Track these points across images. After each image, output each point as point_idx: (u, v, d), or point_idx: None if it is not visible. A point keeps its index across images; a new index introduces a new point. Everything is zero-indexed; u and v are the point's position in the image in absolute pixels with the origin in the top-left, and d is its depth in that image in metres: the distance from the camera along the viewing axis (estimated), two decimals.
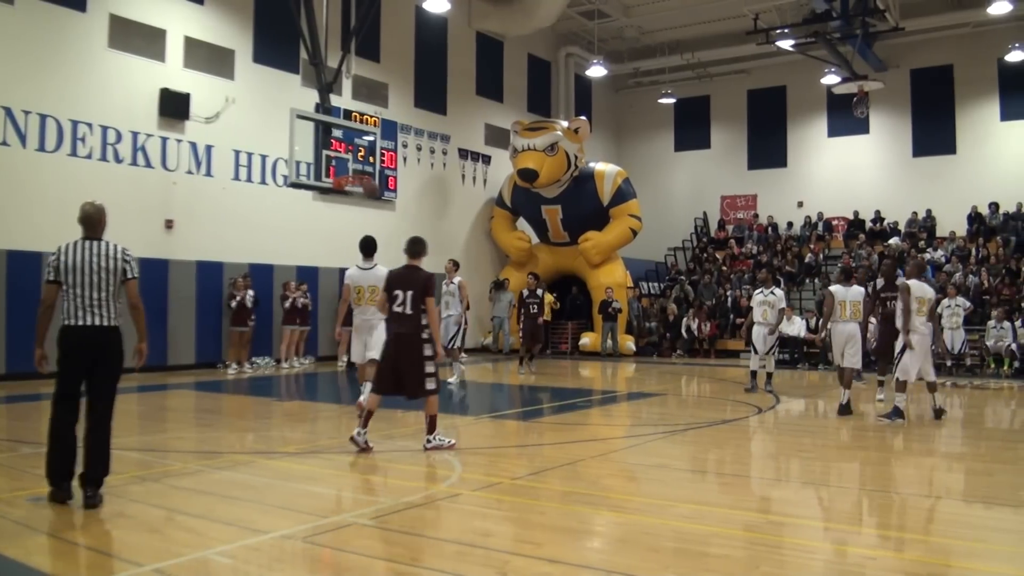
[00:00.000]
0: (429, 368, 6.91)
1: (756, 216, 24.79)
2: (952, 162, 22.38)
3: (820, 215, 23.46)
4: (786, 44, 20.80)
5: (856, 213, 22.83)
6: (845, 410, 9.36)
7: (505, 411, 10.63)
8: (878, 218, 22.42)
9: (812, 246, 22.13)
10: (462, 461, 6.67)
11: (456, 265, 12.86)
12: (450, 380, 12.42)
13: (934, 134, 22.67)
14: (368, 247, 8.64)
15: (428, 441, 7.03)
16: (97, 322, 5.02)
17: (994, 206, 20.90)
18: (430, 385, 6.91)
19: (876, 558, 4.26)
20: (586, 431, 8.91)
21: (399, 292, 6.90)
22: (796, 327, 17.05)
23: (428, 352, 6.88)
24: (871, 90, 20.82)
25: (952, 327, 15.23)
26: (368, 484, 6.20)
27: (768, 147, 25.17)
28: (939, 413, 8.93)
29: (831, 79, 21.54)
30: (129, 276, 5.15)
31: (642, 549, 4.37)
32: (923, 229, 21.47)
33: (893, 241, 21.09)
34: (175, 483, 5.79)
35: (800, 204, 24.21)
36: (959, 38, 21.88)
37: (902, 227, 21.98)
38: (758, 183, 25.24)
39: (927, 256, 19.23)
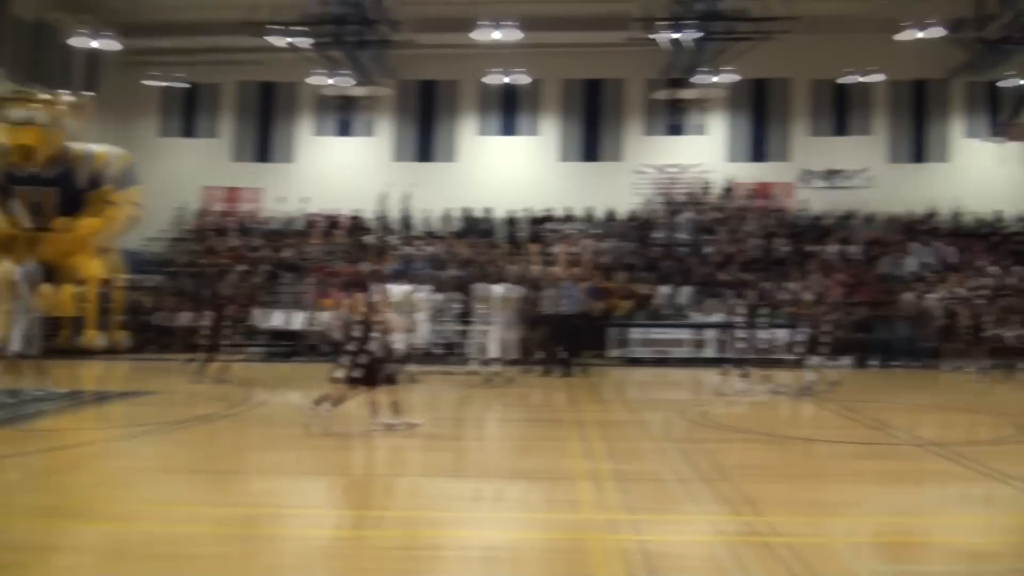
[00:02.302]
0: None
1: (260, 209, 26.87)
2: (443, 168, 27.15)
3: (321, 211, 26.05)
4: (300, 42, 24.14)
5: (355, 211, 25.90)
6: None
7: None
8: (376, 216, 25.82)
9: (313, 241, 24.77)
10: None
11: None
12: None
13: (427, 141, 27.37)
14: None
15: None
16: None
17: (486, 209, 25.83)
18: None
19: (363, 537, 5.51)
20: (58, 437, 9.29)
21: None
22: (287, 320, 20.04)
23: None
24: (376, 95, 25.45)
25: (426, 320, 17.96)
26: None
27: (277, 142, 27.72)
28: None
29: (337, 81, 24.60)
30: None
31: (135, 560, 4.95)
32: (408, 228, 25.50)
33: (387, 238, 24.68)
34: None
35: (305, 200, 26.29)
36: (451, 57, 26.23)
37: (394, 225, 25.70)
38: (263, 177, 27.43)
39: (419, 251, 24.16)
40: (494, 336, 15.19)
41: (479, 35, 23.70)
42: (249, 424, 10.69)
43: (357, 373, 9.33)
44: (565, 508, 6.47)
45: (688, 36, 22.77)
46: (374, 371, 9.37)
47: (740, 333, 15.03)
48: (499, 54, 25.55)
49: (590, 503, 6.48)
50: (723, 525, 5.92)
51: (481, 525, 5.97)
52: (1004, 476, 7.61)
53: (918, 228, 24.81)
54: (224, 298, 15.44)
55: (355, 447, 8.95)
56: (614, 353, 19.70)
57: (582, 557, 5.21)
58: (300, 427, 9.34)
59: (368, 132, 27.72)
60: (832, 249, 23.21)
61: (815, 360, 13.91)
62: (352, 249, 24.37)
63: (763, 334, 15.20)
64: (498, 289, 15.63)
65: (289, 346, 20.21)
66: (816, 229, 25.01)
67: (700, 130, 27.24)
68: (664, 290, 21.73)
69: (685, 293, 21.44)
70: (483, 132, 27.82)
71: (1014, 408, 12.71)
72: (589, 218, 25.71)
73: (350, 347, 9.42)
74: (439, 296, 19.36)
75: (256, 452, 8.94)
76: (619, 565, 4.96)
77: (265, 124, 28.09)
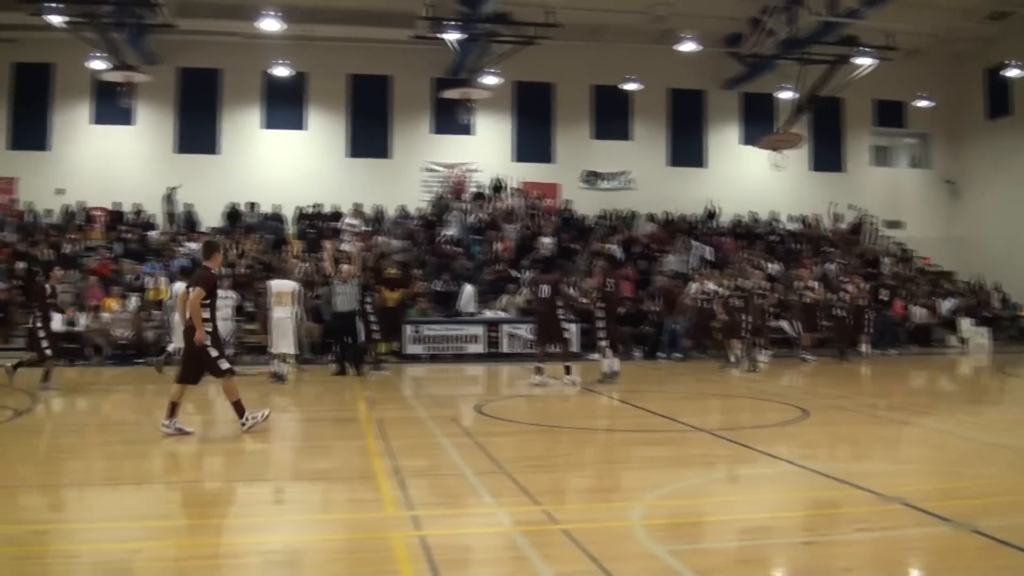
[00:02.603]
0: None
1: (14, 201, 24.84)
2: (215, 161, 26.11)
3: (81, 204, 24.65)
4: (56, 20, 22.38)
5: (117, 204, 24.67)
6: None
7: None
8: (138, 210, 24.62)
9: (71, 236, 23.24)
10: None
11: None
12: None
13: (199, 133, 26.09)
14: None
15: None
16: None
17: (253, 205, 25.29)
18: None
19: (142, 550, 5.19)
20: None
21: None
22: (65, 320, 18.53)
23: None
24: (139, 82, 23.99)
25: (224, 318, 18.72)
26: None
27: (33, 127, 25.46)
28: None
29: (98, 64, 22.95)
30: None
31: None
32: (186, 222, 24.45)
33: (152, 233, 23.81)
34: None
35: (61, 191, 24.96)
36: (230, 45, 25.56)
37: (159, 220, 24.64)
38: (17, 166, 25.30)
39: (190, 248, 23.09)
40: (282, 334, 14.92)
41: (260, 24, 23.13)
42: (32, 433, 10.03)
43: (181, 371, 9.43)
44: (351, 507, 6.42)
45: (466, 36, 23.37)
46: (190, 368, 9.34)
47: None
48: (280, 45, 24.95)
49: (378, 501, 6.42)
50: (509, 516, 6.02)
51: (271, 529, 5.81)
52: (773, 456, 8.23)
53: (688, 229, 26.76)
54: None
55: (148, 454, 8.47)
56: (405, 350, 19.95)
57: (366, 556, 5.18)
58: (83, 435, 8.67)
59: (134, 120, 26.06)
60: (605, 248, 24.46)
61: (603, 353, 14.64)
62: (118, 245, 23.06)
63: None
64: (283, 285, 15.32)
65: (72, 348, 18.75)
66: (590, 229, 26.35)
67: (479, 130, 27.76)
68: (452, 287, 22.18)
69: (473, 290, 21.95)
70: (266, 125, 26.99)
71: (792, 394, 13.83)
72: (375, 215, 25.72)
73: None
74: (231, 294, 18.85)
75: (40, 463, 8.21)
76: (404, 563, 4.95)
77: (20, 109, 25.71)
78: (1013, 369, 19.52)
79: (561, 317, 14.45)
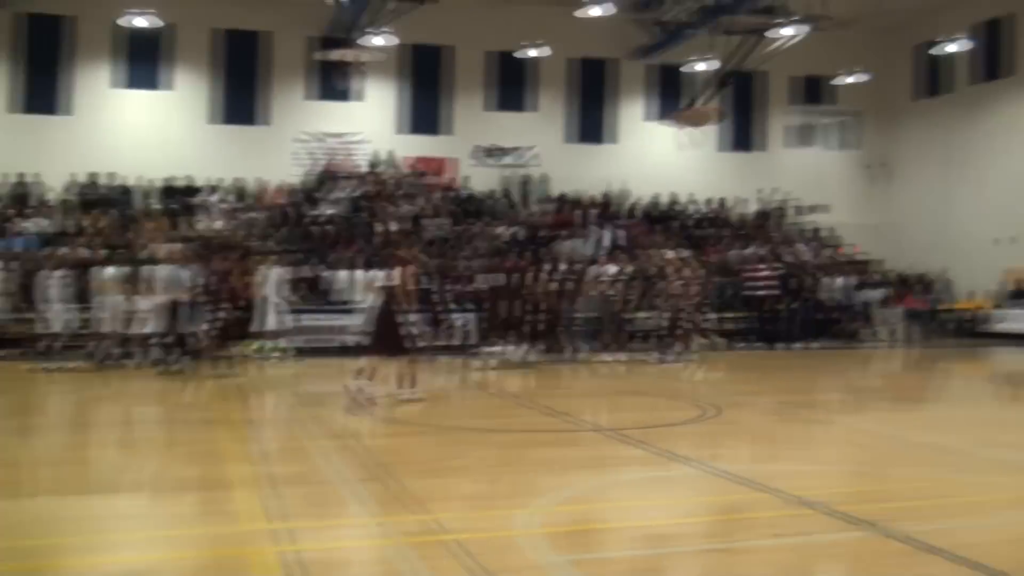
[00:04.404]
0: None
1: None
2: (64, 124, 24.76)
3: None
4: None
5: None
6: None
7: None
8: None
9: None
10: None
11: None
12: None
13: (41, 91, 24.81)
14: None
15: None
16: None
17: (100, 176, 23.92)
18: None
19: None
20: None
21: None
22: None
23: None
24: None
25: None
26: None
27: None
28: None
29: None
30: None
31: None
32: (23, 196, 23.16)
33: None
34: None
35: None
36: None
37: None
38: None
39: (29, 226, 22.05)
40: (116, 321, 14.46)
41: None
42: None
43: None
44: (216, 520, 6.23)
45: None
46: None
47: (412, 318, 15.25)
48: None
49: (243, 513, 6.28)
50: (391, 526, 5.99)
51: (121, 548, 5.64)
52: (682, 457, 8.39)
53: (594, 210, 26.93)
54: None
55: None
56: (271, 344, 19.36)
57: (234, 574, 5.08)
58: None
59: None
60: (501, 230, 24.44)
61: (498, 346, 14.58)
62: None
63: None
64: (116, 271, 14.80)
65: None
66: (483, 207, 26.31)
67: (364, 97, 27.34)
68: (326, 272, 21.71)
69: (350, 275, 21.52)
70: (121, 84, 25.89)
71: (704, 391, 13.98)
72: (237, 189, 24.99)
73: None
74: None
75: None
76: None
77: None
78: (941, 364, 20.33)
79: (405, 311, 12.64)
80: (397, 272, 12.15)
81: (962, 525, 6.24)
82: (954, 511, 6.66)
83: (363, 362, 12.02)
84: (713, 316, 21.50)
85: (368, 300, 18.59)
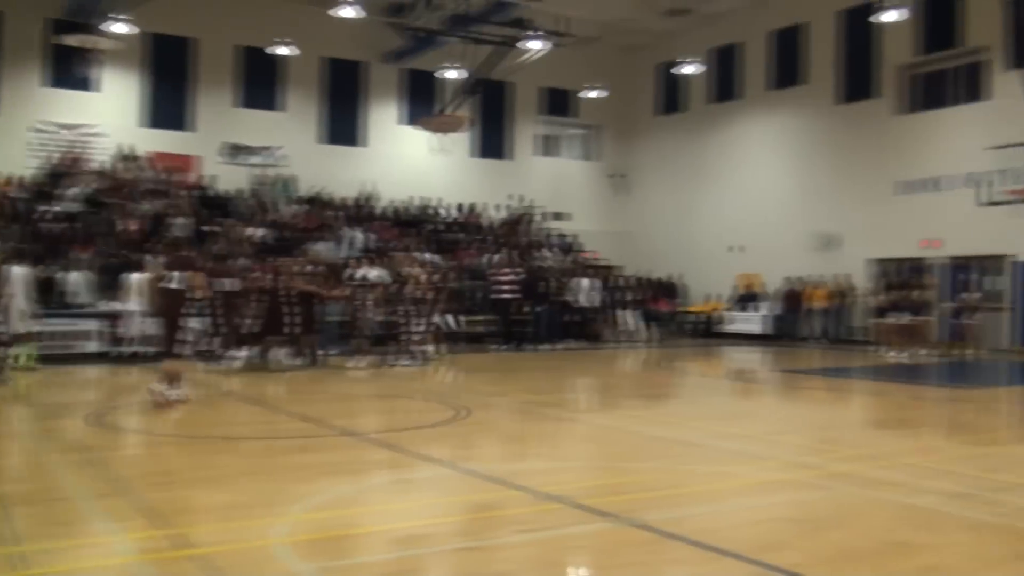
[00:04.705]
0: None
1: None
2: None
3: None
4: None
5: None
6: None
7: None
8: None
9: None
10: None
11: None
12: None
13: None
14: None
15: None
16: None
17: None
18: None
19: None
20: None
21: None
22: None
23: None
24: None
25: None
26: None
27: None
28: None
29: None
30: None
31: None
32: None
33: None
34: None
35: None
36: None
37: None
38: None
39: None
40: None
41: None
42: None
43: None
44: None
45: None
46: None
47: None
48: None
49: None
50: (134, 543, 5.63)
51: None
52: (433, 459, 8.34)
53: (347, 212, 26.57)
54: None
55: None
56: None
57: None
58: None
59: None
60: (251, 231, 23.64)
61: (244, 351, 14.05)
62: None
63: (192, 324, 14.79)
64: None
65: None
66: (231, 207, 25.35)
67: (103, 87, 25.76)
68: (61, 273, 20.17)
69: (86, 276, 20.14)
70: None
71: (452, 393, 13.94)
72: None
73: None
74: None
75: None
76: None
77: None
78: (679, 362, 21.48)
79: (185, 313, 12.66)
80: (183, 275, 11.81)
81: (699, 512, 6.50)
82: (692, 499, 6.95)
83: (166, 365, 11.67)
84: (463, 319, 21.70)
85: (135, 303, 17.75)
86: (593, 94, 31.21)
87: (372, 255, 21.13)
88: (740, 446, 9.28)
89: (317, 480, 7.61)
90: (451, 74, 28.32)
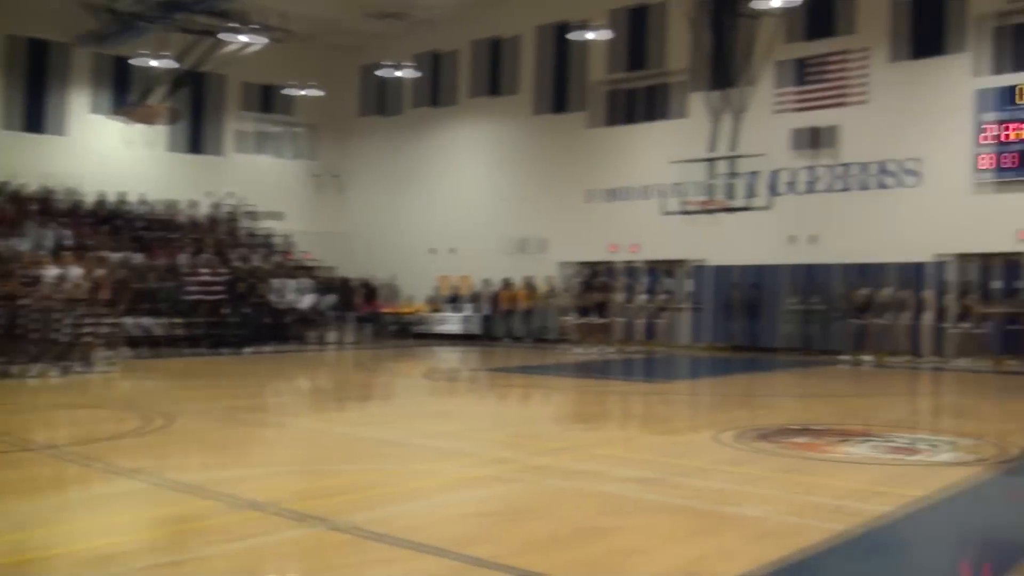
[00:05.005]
0: None
1: None
2: None
3: None
4: None
5: None
6: None
7: None
8: None
9: None
10: None
11: None
12: None
13: None
14: None
15: None
16: None
17: None
18: None
19: None
20: None
21: None
22: None
23: None
24: None
25: None
26: None
27: None
28: None
29: None
30: None
31: None
32: None
33: None
34: None
35: None
36: None
37: None
38: None
39: None
40: None
41: None
42: None
43: None
44: None
45: None
46: None
47: None
48: None
49: None
50: None
51: None
52: (129, 471, 7.94)
53: (32, 205, 24.48)
54: None
55: None
56: None
57: None
58: None
59: None
60: None
61: None
62: None
63: None
64: None
65: None
66: None
67: None
68: None
69: None
70: None
71: (151, 401, 13.37)
72: None
73: None
74: None
75: None
76: None
77: None
78: (385, 363, 21.62)
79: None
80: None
81: (404, 511, 6.64)
82: (397, 498, 7.07)
83: None
84: (158, 322, 20.73)
85: None
86: (305, 92, 30.78)
87: (63, 253, 19.62)
88: (445, 444, 9.54)
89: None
90: (154, 63, 26.76)
